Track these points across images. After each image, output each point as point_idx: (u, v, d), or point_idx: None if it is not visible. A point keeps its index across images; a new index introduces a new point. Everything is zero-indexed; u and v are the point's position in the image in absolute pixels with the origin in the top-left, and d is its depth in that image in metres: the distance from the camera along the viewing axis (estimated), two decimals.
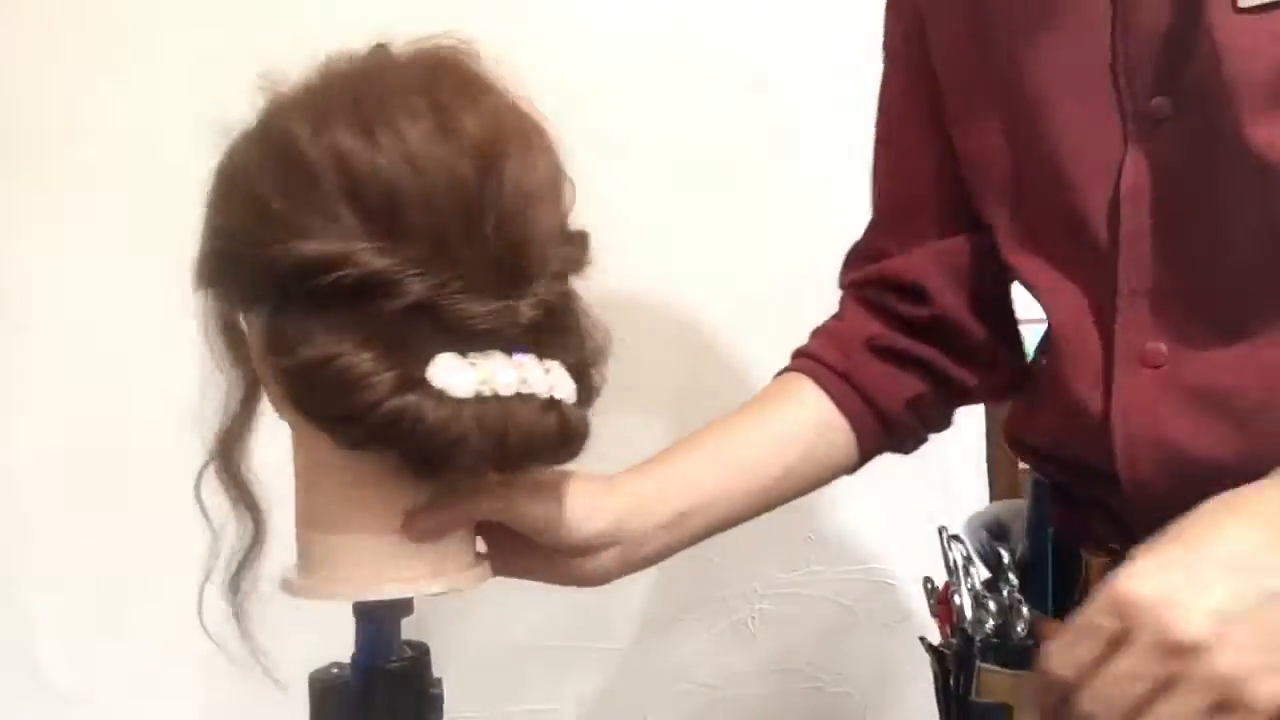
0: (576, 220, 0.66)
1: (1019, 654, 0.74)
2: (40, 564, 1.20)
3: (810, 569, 1.36)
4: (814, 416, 0.83)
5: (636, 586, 1.32)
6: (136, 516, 1.20)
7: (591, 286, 0.66)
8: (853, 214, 1.36)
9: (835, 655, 1.37)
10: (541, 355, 0.61)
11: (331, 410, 0.58)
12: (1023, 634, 0.74)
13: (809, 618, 1.36)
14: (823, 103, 1.34)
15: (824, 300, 1.35)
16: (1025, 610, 0.75)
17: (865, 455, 0.85)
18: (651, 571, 1.32)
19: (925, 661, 0.87)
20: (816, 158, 1.35)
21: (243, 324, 0.63)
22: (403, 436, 0.57)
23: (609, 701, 1.33)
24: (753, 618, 1.36)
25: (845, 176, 1.35)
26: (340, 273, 0.56)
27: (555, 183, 0.62)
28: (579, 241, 0.66)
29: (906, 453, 0.88)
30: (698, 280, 1.31)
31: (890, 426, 0.85)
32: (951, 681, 0.79)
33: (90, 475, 1.20)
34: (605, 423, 0.65)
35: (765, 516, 1.33)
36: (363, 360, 0.57)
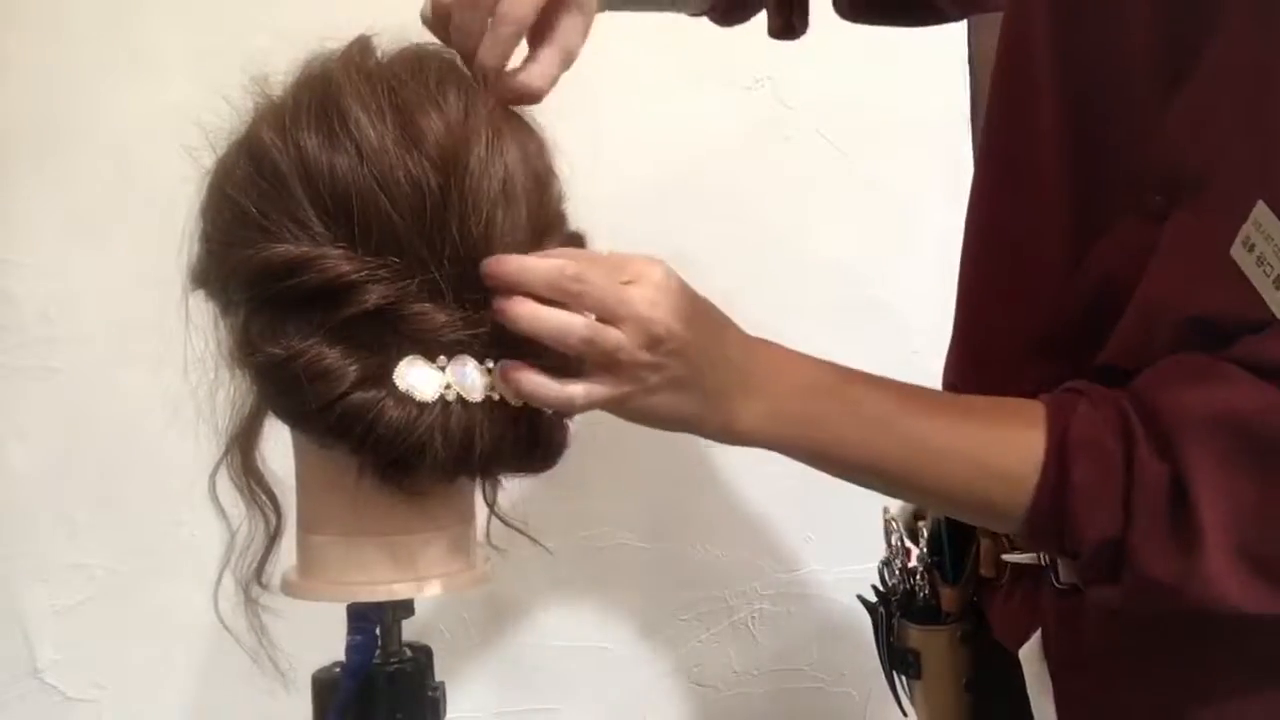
0: (571, 224, 0.66)
1: (925, 612, 0.89)
2: (40, 564, 1.20)
3: (810, 569, 1.36)
4: None
5: (637, 586, 1.32)
6: (136, 516, 1.20)
7: None
8: (852, 213, 1.36)
9: (835, 655, 1.37)
10: (521, 360, 0.61)
11: (296, 405, 0.59)
12: (922, 599, 0.89)
13: (809, 618, 1.37)
14: (823, 102, 1.34)
15: (824, 298, 1.35)
16: (922, 579, 0.90)
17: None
18: (651, 571, 1.33)
19: None
20: (816, 158, 1.36)
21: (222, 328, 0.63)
22: (365, 434, 0.58)
23: (609, 701, 1.33)
24: (753, 618, 1.36)
25: (843, 176, 1.36)
26: (305, 276, 0.57)
27: (528, 187, 0.62)
28: (570, 246, 0.65)
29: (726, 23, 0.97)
30: (699, 280, 1.30)
31: None
32: (883, 630, 0.93)
33: (89, 475, 1.20)
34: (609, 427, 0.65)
35: (765, 516, 1.34)
36: (327, 356, 0.58)
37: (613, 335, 0.59)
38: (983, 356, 0.84)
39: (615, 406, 0.61)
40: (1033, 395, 0.70)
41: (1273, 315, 0.61)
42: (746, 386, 0.64)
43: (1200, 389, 0.63)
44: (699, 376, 0.62)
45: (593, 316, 0.59)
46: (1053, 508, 0.66)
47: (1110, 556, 0.65)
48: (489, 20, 0.63)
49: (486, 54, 0.63)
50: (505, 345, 0.60)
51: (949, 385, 0.88)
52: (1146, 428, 0.64)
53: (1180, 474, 0.62)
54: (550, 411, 0.63)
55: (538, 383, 0.59)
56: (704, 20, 0.96)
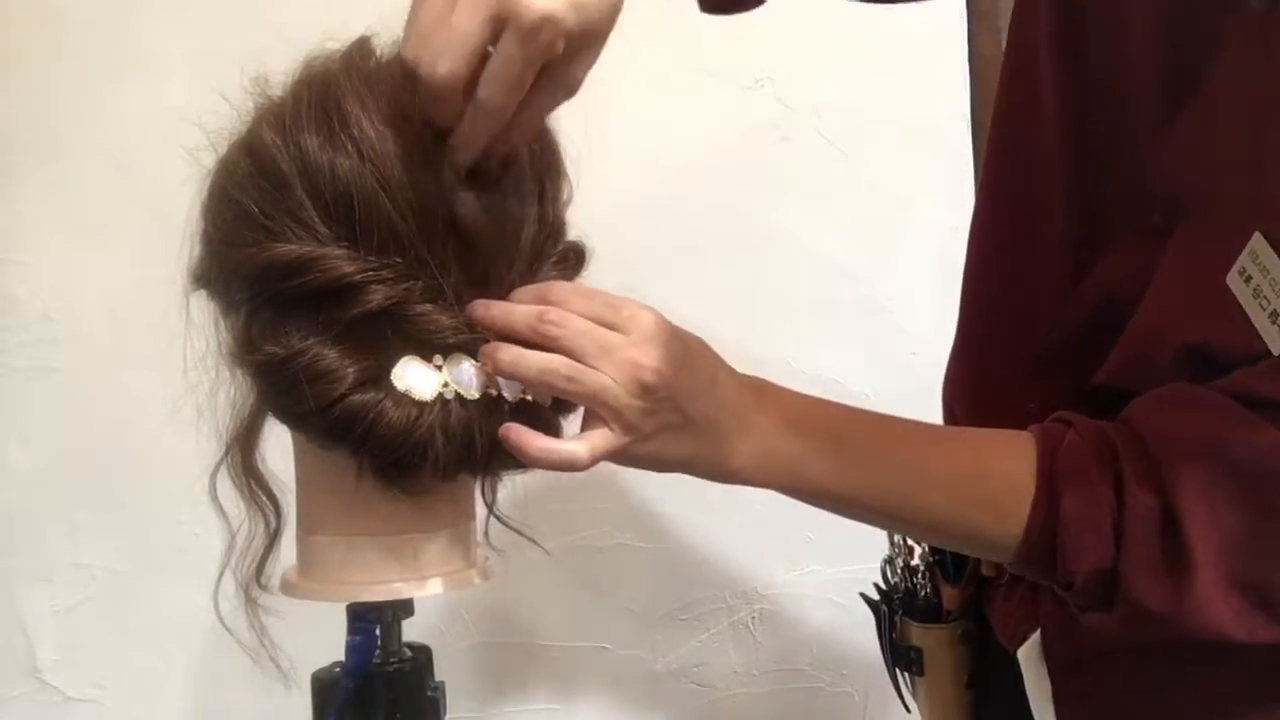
0: (572, 226, 0.66)
1: (926, 610, 0.91)
2: (40, 564, 1.20)
3: (810, 569, 1.36)
4: None
5: (637, 586, 1.32)
6: (136, 516, 1.20)
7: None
8: (851, 214, 1.36)
9: (835, 655, 1.37)
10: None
11: (295, 405, 0.59)
12: (924, 597, 0.91)
13: (809, 618, 1.37)
14: (823, 102, 1.34)
15: (822, 298, 1.35)
16: (923, 577, 0.91)
17: None
18: (652, 571, 1.33)
19: None
20: (816, 158, 1.35)
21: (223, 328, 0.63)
22: (365, 435, 0.58)
23: (609, 701, 1.33)
24: (753, 618, 1.36)
25: (843, 176, 1.36)
26: (309, 276, 0.57)
27: (529, 190, 0.62)
28: (570, 259, 0.66)
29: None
30: (699, 280, 1.31)
31: None
32: (886, 627, 0.94)
33: (89, 475, 1.20)
34: None
35: (765, 516, 1.34)
36: (326, 356, 0.58)
37: (595, 376, 0.59)
38: (983, 374, 0.84)
39: (617, 456, 0.62)
40: (1033, 413, 0.70)
41: (1267, 349, 0.61)
42: (738, 427, 0.65)
43: (1188, 419, 0.63)
44: (692, 421, 0.63)
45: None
46: (1043, 539, 0.66)
47: (1103, 586, 0.65)
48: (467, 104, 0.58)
49: (459, 141, 0.59)
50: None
51: (948, 402, 0.88)
52: (1135, 457, 0.64)
53: (1169, 503, 0.63)
54: (548, 402, 0.63)
55: (543, 448, 0.60)
56: (687, 11, 0.94)
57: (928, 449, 0.69)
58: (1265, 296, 0.60)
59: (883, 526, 0.80)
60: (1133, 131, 0.71)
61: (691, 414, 0.62)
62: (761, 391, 0.67)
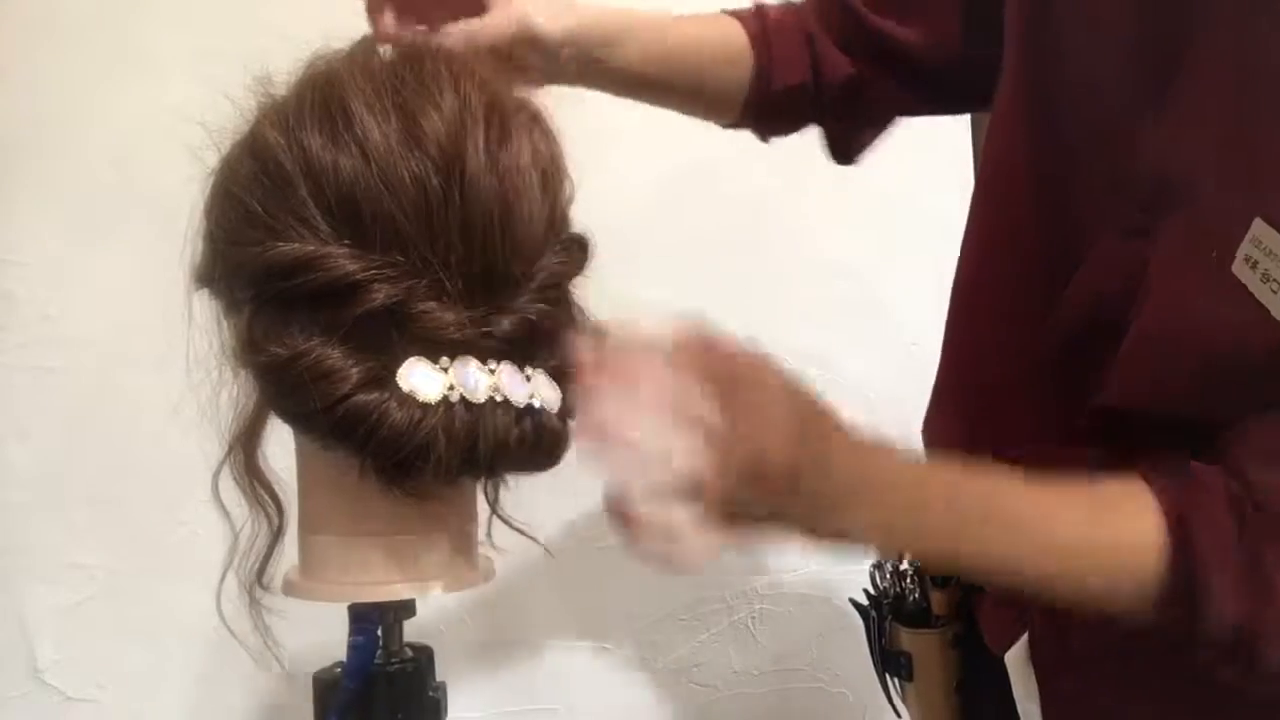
0: (575, 221, 0.66)
1: (915, 615, 0.91)
2: (40, 564, 1.20)
3: (810, 569, 1.36)
4: (725, 37, 0.94)
5: (637, 586, 1.32)
6: (136, 516, 1.20)
7: (590, 286, 0.66)
8: (852, 213, 1.36)
9: (835, 655, 1.37)
10: (524, 362, 0.61)
11: (298, 405, 0.59)
12: (913, 602, 0.91)
13: (809, 618, 1.37)
14: None
15: (823, 297, 1.35)
16: (912, 582, 0.91)
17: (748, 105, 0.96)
18: (651, 571, 1.33)
19: None
20: (816, 158, 1.35)
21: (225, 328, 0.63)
22: (368, 436, 0.58)
23: (609, 701, 1.33)
24: (753, 618, 1.36)
25: (843, 175, 1.36)
26: (311, 275, 0.57)
27: (532, 188, 0.61)
28: (574, 248, 0.65)
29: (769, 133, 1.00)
30: (700, 279, 1.30)
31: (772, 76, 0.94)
32: (875, 632, 0.94)
33: (89, 475, 1.20)
34: None
35: None
36: (330, 356, 0.58)
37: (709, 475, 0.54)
38: (977, 393, 0.83)
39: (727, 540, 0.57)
40: (1029, 430, 0.69)
41: None
42: (855, 499, 0.60)
43: None
44: (804, 500, 0.58)
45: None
46: (1182, 594, 0.62)
47: (1235, 640, 0.62)
48: None
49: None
50: (510, 347, 0.60)
51: (930, 432, 0.88)
52: (1258, 509, 0.61)
53: None
54: (554, 410, 0.63)
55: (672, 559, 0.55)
56: (687, 10, 0.95)
57: (1046, 516, 0.64)
58: (1275, 279, 0.58)
59: (1002, 590, 0.79)
60: (1110, 124, 0.69)
61: (804, 496, 0.58)
62: (879, 462, 0.63)
